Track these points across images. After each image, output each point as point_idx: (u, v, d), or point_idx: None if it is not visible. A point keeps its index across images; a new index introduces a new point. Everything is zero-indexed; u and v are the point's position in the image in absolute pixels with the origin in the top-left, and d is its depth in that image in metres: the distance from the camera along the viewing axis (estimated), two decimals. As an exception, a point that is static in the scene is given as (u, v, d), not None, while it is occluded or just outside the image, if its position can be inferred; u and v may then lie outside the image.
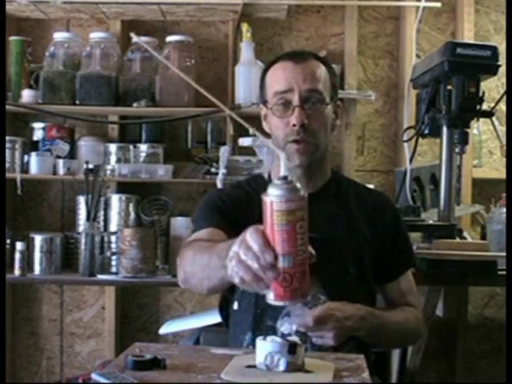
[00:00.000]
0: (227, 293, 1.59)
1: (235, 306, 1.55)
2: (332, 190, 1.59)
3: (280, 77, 1.51)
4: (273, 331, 1.36)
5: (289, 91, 1.48)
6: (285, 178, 1.01)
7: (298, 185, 1.01)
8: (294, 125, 1.47)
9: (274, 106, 1.51)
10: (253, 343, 1.48)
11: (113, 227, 2.71)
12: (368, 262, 1.54)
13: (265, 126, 1.60)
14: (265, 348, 1.14)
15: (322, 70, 1.52)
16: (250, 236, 1.02)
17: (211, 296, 2.89)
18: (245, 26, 2.72)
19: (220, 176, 2.51)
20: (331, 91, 1.54)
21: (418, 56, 2.70)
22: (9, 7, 2.69)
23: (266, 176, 1.63)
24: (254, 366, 1.18)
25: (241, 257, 1.02)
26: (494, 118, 2.21)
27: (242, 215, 1.49)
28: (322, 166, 1.59)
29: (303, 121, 1.47)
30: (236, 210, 1.52)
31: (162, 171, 2.67)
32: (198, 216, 1.59)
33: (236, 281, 1.05)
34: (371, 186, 1.93)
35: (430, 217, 2.26)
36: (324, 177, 1.60)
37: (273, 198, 0.99)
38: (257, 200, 1.55)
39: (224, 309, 1.64)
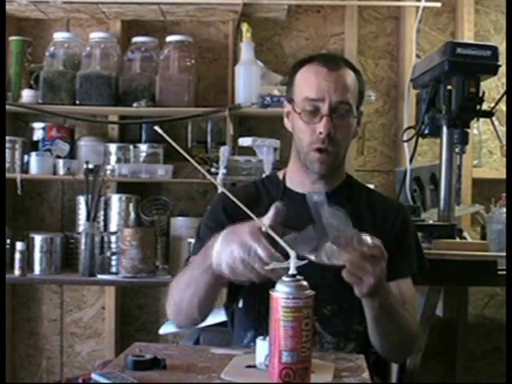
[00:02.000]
0: (232, 291, 1.60)
1: (240, 303, 1.56)
2: (344, 191, 1.61)
3: (312, 83, 1.51)
4: None
5: (319, 100, 1.50)
6: (293, 275, 1.05)
7: (306, 283, 1.06)
8: (321, 133, 1.49)
9: (302, 112, 1.52)
10: (254, 341, 1.49)
11: (113, 227, 2.72)
12: None
13: (286, 123, 1.62)
14: (265, 348, 1.14)
15: (352, 80, 1.54)
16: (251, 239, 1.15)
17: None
18: (245, 26, 2.72)
19: (220, 176, 2.51)
20: (358, 99, 1.56)
21: (417, 56, 2.70)
22: (9, 7, 2.69)
23: (280, 176, 1.65)
24: (254, 366, 1.18)
25: (245, 259, 1.15)
26: (493, 118, 2.21)
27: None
28: (339, 170, 1.62)
29: (330, 130, 1.49)
30: (239, 218, 1.54)
31: (162, 171, 2.68)
32: (200, 232, 1.60)
33: (227, 273, 1.20)
34: (371, 186, 1.93)
35: (430, 217, 2.26)
36: (339, 179, 1.62)
37: (280, 295, 1.03)
38: (264, 200, 1.57)
39: (229, 308, 1.64)
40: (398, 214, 1.60)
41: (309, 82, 1.53)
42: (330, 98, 1.49)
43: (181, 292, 1.42)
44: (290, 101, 1.58)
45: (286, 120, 1.62)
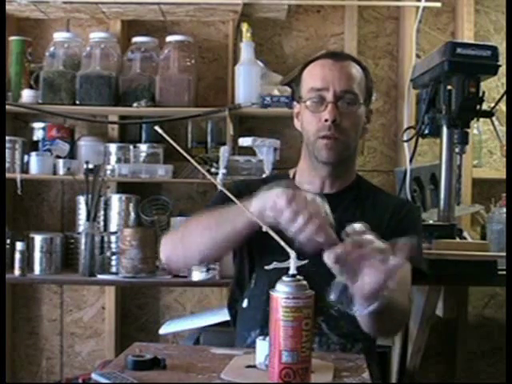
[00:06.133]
0: (236, 291, 1.61)
1: (244, 303, 1.56)
2: (352, 192, 1.60)
3: (317, 74, 1.53)
4: None
5: (324, 89, 1.51)
6: (293, 275, 1.05)
7: (306, 283, 1.06)
8: (326, 120, 1.49)
9: (307, 101, 1.53)
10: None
11: (113, 227, 2.71)
12: None
13: (296, 123, 1.62)
14: (265, 348, 1.14)
15: (358, 72, 1.55)
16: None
17: (211, 296, 2.90)
18: (245, 26, 2.72)
19: (220, 176, 2.51)
20: (365, 95, 1.56)
21: (418, 56, 2.70)
22: (9, 7, 2.69)
23: (291, 175, 1.65)
24: (254, 366, 1.18)
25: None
26: (493, 118, 2.21)
27: None
28: (349, 167, 1.60)
29: (335, 117, 1.49)
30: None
31: (162, 171, 2.67)
32: (214, 199, 1.59)
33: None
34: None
35: (430, 217, 2.26)
36: (349, 179, 1.61)
37: (280, 295, 1.04)
38: None
39: (232, 307, 1.64)
40: (405, 214, 1.57)
41: (314, 74, 1.54)
42: (334, 86, 1.50)
43: (191, 233, 1.43)
44: (299, 100, 1.58)
45: (295, 121, 1.63)
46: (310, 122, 1.53)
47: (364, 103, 1.55)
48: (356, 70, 1.54)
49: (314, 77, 1.54)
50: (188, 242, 1.44)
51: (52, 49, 2.73)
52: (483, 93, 2.06)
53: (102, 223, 2.72)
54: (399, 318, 1.44)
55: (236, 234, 1.34)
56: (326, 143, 1.51)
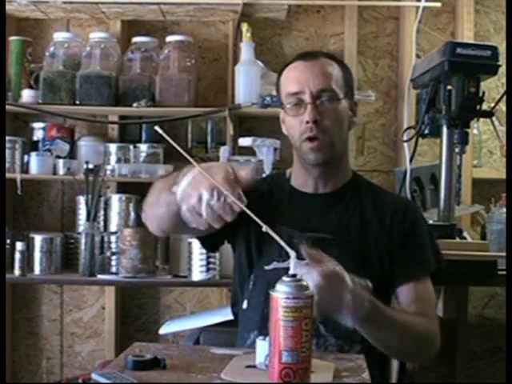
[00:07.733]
0: (237, 292, 1.61)
1: (244, 304, 1.56)
2: (350, 191, 1.59)
3: (291, 78, 1.54)
4: None
5: (300, 92, 1.51)
6: (293, 275, 1.05)
7: (306, 283, 1.05)
8: (307, 122, 1.49)
9: (287, 106, 1.53)
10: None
11: (113, 227, 2.71)
12: (377, 265, 1.52)
13: (284, 129, 1.62)
14: (265, 348, 1.14)
15: (333, 68, 1.54)
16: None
17: (211, 296, 2.90)
18: (245, 26, 2.72)
19: (220, 176, 2.50)
20: (345, 88, 1.55)
21: (418, 56, 2.69)
22: (9, 7, 2.69)
23: (287, 175, 1.66)
24: (254, 366, 1.18)
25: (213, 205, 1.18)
26: (493, 118, 2.21)
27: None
28: (341, 165, 1.60)
29: (315, 117, 1.49)
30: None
31: (162, 171, 2.67)
32: None
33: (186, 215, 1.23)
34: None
35: (430, 217, 2.26)
36: (344, 177, 1.61)
37: (280, 295, 1.04)
38: (274, 196, 1.58)
39: (235, 307, 1.64)
40: (405, 213, 1.57)
41: (288, 79, 1.55)
42: (309, 87, 1.50)
43: (153, 196, 1.45)
44: (282, 106, 1.58)
45: (283, 126, 1.63)
46: (292, 126, 1.54)
47: (346, 97, 1.54)
48: (330, 66, 1.53)
49: (289, 82, 1.54)
50: (149, 213, 1.47)
51: (52, 49, 2.72)
52: (483, 93, 2.06)
53: (102, 223, 2.72)
54: (419, 341, 1.44)
55: (174, 212, 1.32)
56: (311, 146, 1.51)
